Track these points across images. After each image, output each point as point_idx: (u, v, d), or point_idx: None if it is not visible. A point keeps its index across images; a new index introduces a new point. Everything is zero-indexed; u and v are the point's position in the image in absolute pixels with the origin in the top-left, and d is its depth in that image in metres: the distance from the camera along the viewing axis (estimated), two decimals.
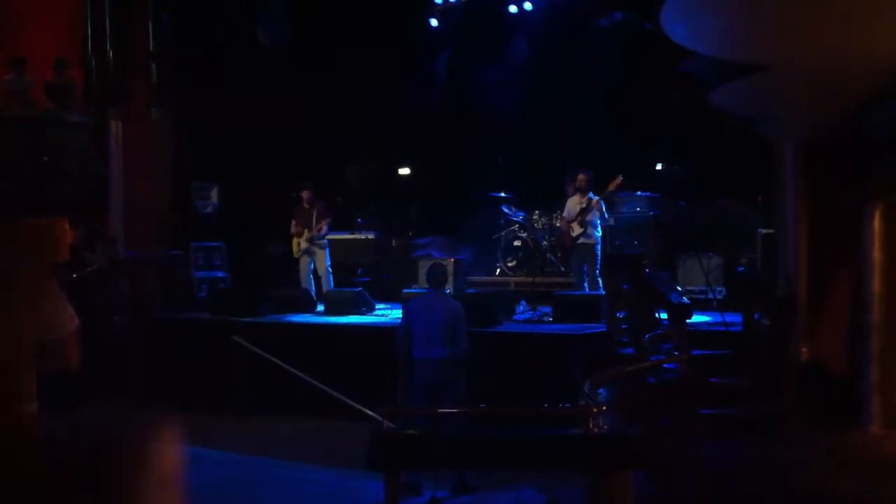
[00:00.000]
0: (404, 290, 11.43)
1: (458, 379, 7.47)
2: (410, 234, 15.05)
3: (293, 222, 12.47)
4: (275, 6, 13.88)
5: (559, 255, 13.08)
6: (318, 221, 12.30)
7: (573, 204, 11.53)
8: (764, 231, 10.29)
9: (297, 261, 12.59)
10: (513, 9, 14.75)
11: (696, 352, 7.09)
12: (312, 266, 12.48)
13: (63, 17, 13.38)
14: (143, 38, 13.28)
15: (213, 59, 13.53)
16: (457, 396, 7.40)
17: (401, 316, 7.94)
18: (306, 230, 12.35)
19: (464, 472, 7.12)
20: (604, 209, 11.50)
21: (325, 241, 12.46)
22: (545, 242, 13.32)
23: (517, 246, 13.36)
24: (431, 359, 7.44)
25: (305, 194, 12.42)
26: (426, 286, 12.48)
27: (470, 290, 12.28)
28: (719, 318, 9.33)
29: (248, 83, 13.54)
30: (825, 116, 8.15)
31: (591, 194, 11.39)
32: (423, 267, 13.06)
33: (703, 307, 10.69)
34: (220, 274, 13.48)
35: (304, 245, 12.41)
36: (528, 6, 14.62)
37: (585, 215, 11.31)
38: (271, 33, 13.59)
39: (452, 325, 7.52)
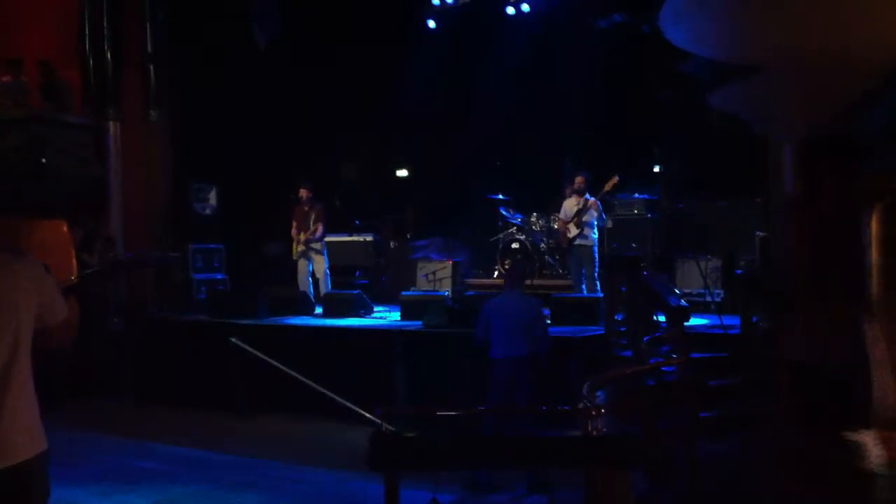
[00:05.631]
0: (403, 293, 11.43)
1: (533, 376, 7.55)
2: (409, 236, 15.05)
3: (293, 224, 12.46)
4: (268, 4, 13.87)
5: (557, 257, 13.09)
6: (314, 223, 12.29)
7: (570, 205, 11.55)
8: (762, 233, 10.28)
9: (295, 263, 12.58)
10: (510, 10, 14.75)
11: (694, 354, 7.10)
12: (311, 268, 12.48)
13: (60, 19, 13.37)
14: (139, 38, 13.29)
15: (211, 59, 13.53)
16: (532, 393, 7.48)
17: (480, 316, 7.98)
18: (303, 232, 12.33)
19: (475, 472, 7.16)
20: (601, 209, 11.52)
21: (322, 243, 12.44)
22: (543, 244, 13.33)
23: (515, 248, 13.37)
24: (512, 357, 7.52)
25: (303, 192, 12.39)
26: (423, 288, 12.56)
27: (468, 293, 12.28)
28: (717, 321, 9.32)
29: (245, 84, 13.55)
30: (824, 116, 8.16)
31: (587, 195, 11.41)
32: (422, 269, 13.08)
33: (702, 309, 10.69)
34: (218, 276, 13.49)
35: (301, 247, 12.40)
36: (525, 8, 14.62)
37: (582, 216, 11.32)
38: (266, 32, 13.59)
39: (531, 323, 7.61)
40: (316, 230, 12.29)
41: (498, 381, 7.64)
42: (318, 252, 12.40)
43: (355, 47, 14.27)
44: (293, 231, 12.42)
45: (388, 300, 12.59)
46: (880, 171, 7.99)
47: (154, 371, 11.43)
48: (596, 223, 11.45)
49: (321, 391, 9.53)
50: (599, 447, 4.13)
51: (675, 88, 11.17)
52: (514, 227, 13.56)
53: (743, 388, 8.23)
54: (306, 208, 12.38)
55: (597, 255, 11.39)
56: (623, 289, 8.98)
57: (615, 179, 11.41)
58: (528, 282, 12.65)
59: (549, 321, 10.29)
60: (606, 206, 11.96)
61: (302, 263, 12.47)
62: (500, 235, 13.68)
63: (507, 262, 13.31)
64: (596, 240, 11.46)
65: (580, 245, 11.36)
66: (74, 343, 3.48)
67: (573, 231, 11.37)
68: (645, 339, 7.13)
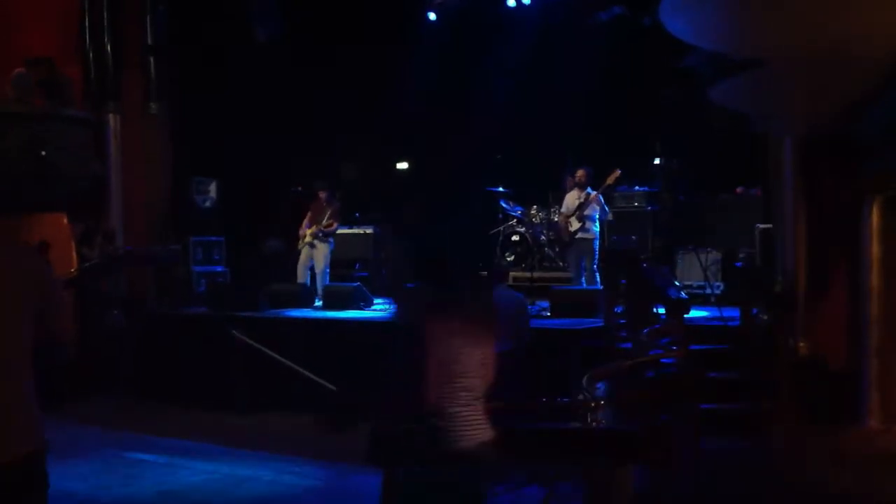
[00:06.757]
0: (403, 286, 11.43)
1: (520, 370, 7.54)
2: None
3: (309, 216, 12.53)
4: (268, 3, 13.83)
5: (557, 249, 13.09)
6: (329, 219, 12.40)
7: (572, 199, 11.55)
8: (762, 226, 10.28)
9: (296, 255, 12.60)
10: (511, 3, 14.70)
11: (694, 347, 7.10)
12: (312, 261, 12.49)
13: (60, 18, 13.31)
14: (140, 32, 13.25)
15: (211, 53, 13.50)
16: (520, 387, 7.48)
17: None
18: (315, 225, 12.40)
19: None
20: (603, 203, 11.52)
21: (330, 240, 12.49)
22: (543, 237, 13.32)
23: (515, 241, 13.36)
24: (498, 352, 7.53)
25: (321, 195, 12.53)
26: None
27: None
28: (717, 313, 9.33)
29: (245, 82, 13.52)
30: (824, 111, 8.15)
31: (589, 189, 11.42)
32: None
33: (702, 302, 10.69)
34: (219, 269, 13.48)
35: (308, 239, 12.44)
36: (526, 0, 14.56)
37: (584, 210, 11.32)
38: (266, 27, 13.55)
39: (516, 319, 7.62)
40: (331, 225, 12.40)
41: None
42: (324, 244, 12.44)
43: (355, 47, 14.24)
44: (305, 223, 12.48)
45: (388, 293, 12.59)
46: (880, 170, 8.00)
47: (155, 366, 11.43)
48: (598, 217, 11.46)
49: (321, 383, 9.57)
50: (599, 441, 4.13)
51: (676, 86, 11.16)
52: (514, 220, 13.55)
53: (744, 381, 8.24)
54: (324, 204, 12.51)
55: (597, 249, 11.40)
56: (623, 281, 9.00)
57: (617, 173, 11.42)
58: (528, 274, 12.73)
59: (548, 313, 10.34)
60: (607, 199, 11.96)
61: (305, 252, 12.49)
62: (500, 228, 13.68)
63: (507, 255, 13.34)
64: (597, 233, 11.47)
65: (582, 238, 11.37)
66: (74, 337, 3.47)
67: (575, 225, 11.37)
68: (645, 331, 7.13)
